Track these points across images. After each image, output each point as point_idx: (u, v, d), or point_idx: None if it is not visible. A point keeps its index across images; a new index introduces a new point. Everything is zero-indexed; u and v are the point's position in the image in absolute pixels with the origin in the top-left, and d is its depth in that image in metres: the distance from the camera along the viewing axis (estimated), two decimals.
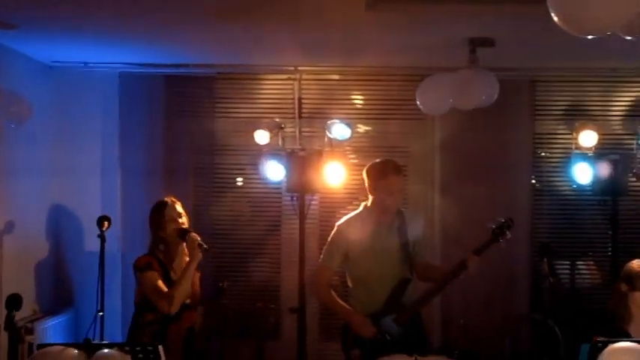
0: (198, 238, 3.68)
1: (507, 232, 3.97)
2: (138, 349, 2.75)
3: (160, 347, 2.80)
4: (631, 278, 4.10)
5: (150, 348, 2.77)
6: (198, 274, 3.80)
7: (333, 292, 4.08)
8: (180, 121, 5.27)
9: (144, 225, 3.94)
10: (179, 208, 3.79)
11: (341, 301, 4.05)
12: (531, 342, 5.18)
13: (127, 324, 4.49)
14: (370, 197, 4.05)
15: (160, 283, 3.59)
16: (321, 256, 4.15)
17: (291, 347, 4.93)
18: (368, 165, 4.11)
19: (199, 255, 3.65)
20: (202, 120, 5.35)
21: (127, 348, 2.75)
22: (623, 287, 4.12)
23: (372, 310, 3.97)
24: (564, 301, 5.26)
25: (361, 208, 4.14)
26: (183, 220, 3.77)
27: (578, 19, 1.94)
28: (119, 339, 4.41)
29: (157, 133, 5.27)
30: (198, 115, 5.34)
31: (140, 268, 3.63)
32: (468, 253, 3.94)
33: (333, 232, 4.13)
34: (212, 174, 5.39)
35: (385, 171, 3.98)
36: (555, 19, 2.00)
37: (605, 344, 3.25)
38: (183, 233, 3.71)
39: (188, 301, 3.70)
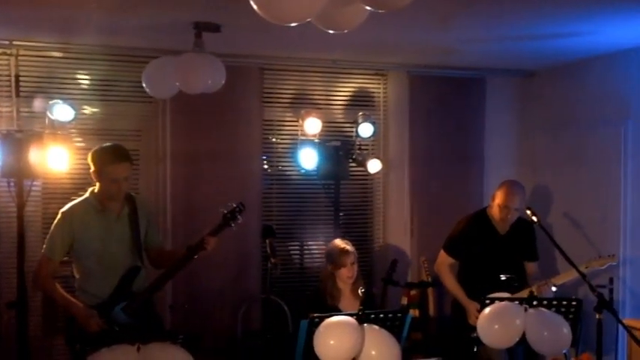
0: None
1: (238, 217, 4.10)
2: None
3: None
4: (333, 258, 4.44)
5: None
6: None
7: (57, 285, 3.90)
8: None
9: None
10: None
11: (65, 294, 3.88)
12: (262, 320, 5.36)
13: None
14: (97, 183, 3.93)
15: None
16: (44, 246, 3.94)
17: (11, 345, 4.56)
18: (92, 150, 3.96)
19: None
20: None
21: None
22: (329, 268, 4.44)
23: (100, 302, 3.85)
24: (289, 280, 5.55)
25: (87, 194, 4.00)
26: None
27: (271, 6, 2.00)
28: None
29: None
30: None
31: None
32: (204, 235, 3.99)
33: (56, 220, 3.94)
34: None
35: (110, 157, 3.86)
36: (255, 6, 2.04)
37: (322, 319, 3.50)
38: None
39: None
